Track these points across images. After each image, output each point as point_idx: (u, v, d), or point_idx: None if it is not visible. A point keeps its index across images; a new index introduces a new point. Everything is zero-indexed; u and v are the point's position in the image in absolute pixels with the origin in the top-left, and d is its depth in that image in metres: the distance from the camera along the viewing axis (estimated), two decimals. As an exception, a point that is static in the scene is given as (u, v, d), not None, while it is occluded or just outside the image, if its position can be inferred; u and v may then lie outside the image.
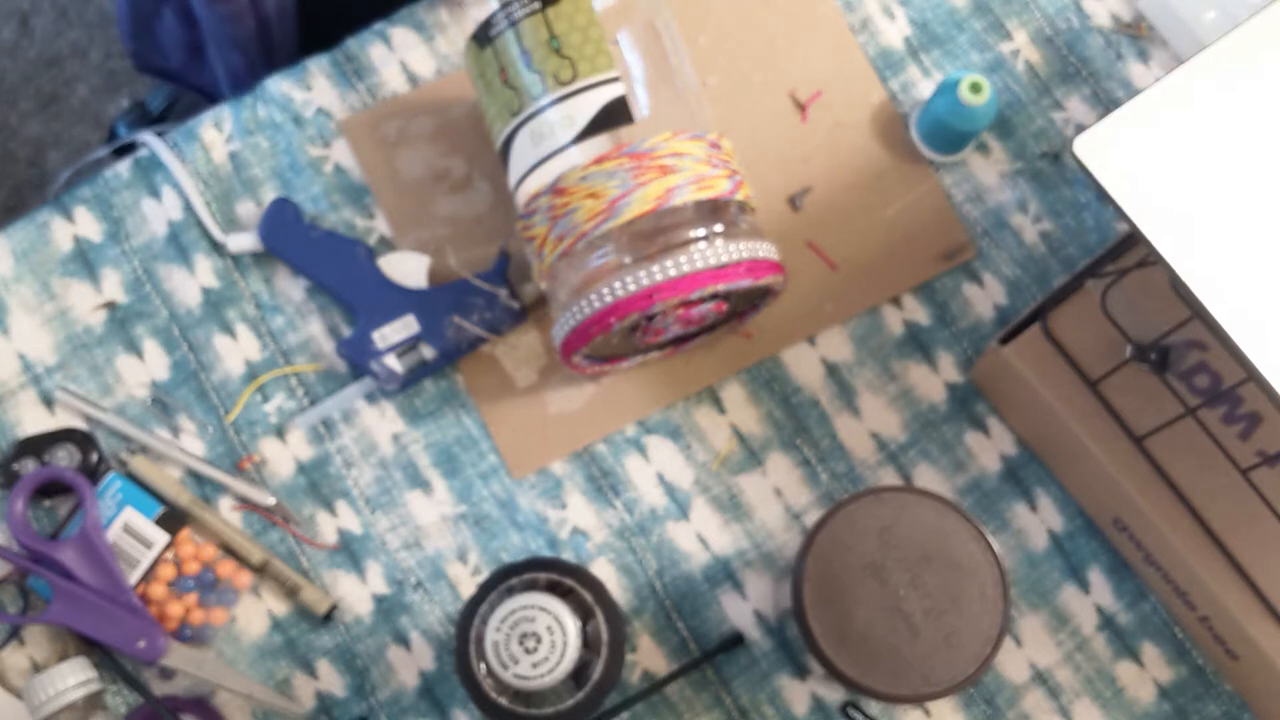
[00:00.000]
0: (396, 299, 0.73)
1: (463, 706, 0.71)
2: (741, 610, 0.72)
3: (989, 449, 0.74)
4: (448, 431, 0.74)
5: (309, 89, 0.78)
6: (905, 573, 0.58)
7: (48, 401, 0.74)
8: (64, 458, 0.72)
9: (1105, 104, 0.79)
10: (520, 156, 0.68)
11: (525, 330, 0.75)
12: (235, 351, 0.74)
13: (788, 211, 0.76)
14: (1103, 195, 0.58)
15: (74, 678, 0.67)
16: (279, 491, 0.73)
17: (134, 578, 0.70)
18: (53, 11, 1.73)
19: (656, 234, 0.64)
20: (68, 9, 1.73)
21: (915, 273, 0.76)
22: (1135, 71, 0.79)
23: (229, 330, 0.75)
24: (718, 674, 0.71)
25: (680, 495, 0.73)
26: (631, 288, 0.63)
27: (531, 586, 0.60)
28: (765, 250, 0.66)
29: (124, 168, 0.77)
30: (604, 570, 0.72)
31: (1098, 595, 0.72)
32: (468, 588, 0.72)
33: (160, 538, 0.71)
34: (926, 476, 0.74)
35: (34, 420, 0.73)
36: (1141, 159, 0.59)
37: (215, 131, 0.77)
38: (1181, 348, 0.67)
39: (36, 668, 0.70)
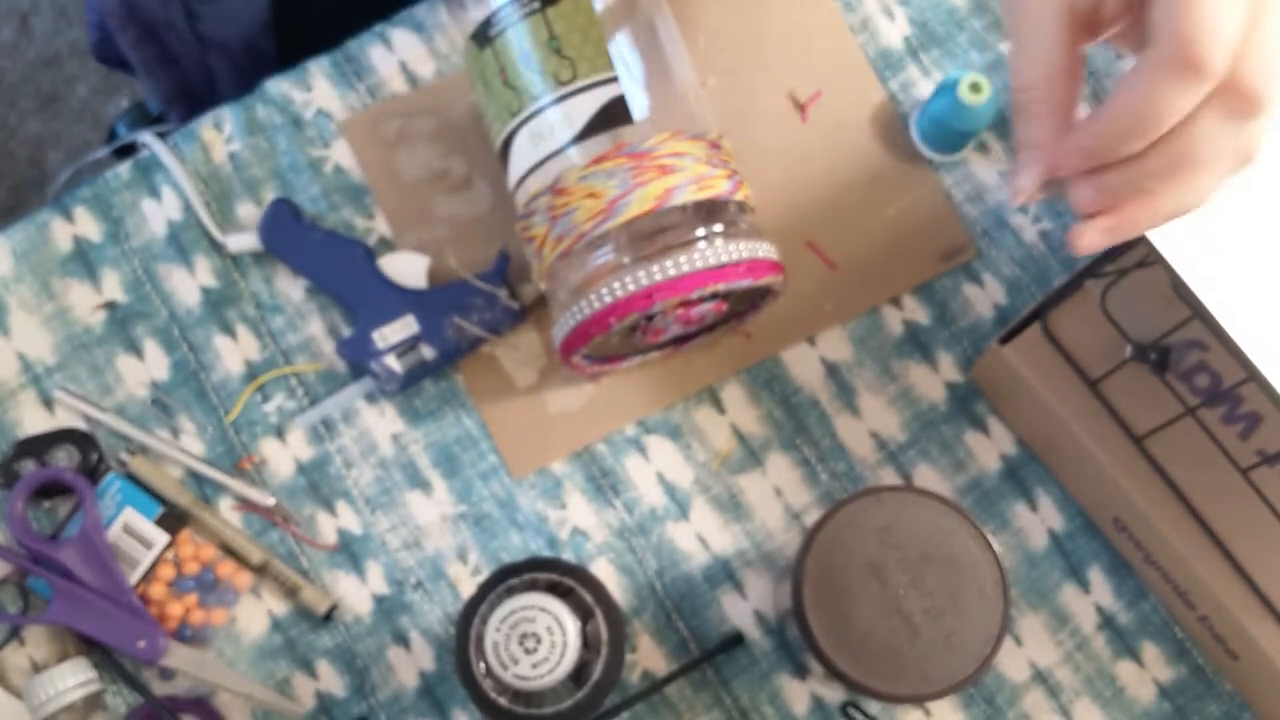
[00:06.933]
0: (396, 299, 0.73)
1: (463, 706, 0.71)
2: (741, 610, 0.72)
3: (989, 449, 0.74)
4: (448, 431, 0.74)
5: (309, 90, 0.77)
6: (905, 573, 0.58)
7: (48, 401, 0.74)
8: (64, 458, 0.72)
9: (1105, 104, 0.79)
10: (520, 157, 0.67)
11: (525, 330, 0.75)
12: (235, 351, 0.74)
13: (788, 209, 0.76)
14: (1102, 195, 0.58)
15: (74, 678, 0.67)
16: (279, 491, 0.73)
17: (134, 578, 0.70)
18: (52, 11, 1.73)
19: (656, 234, 0.64)
20: (67, 8, 1.73)
21: (915, 273, 0.76)
22: (1135, 71, 0.79)
23: (229, 330, 0.75)
24: (718, 674, 0.71)
25: (680, 495, 0.73)
26: (631, 288, 0.63)
27: (531, 587, 0.60)
28: (765, 250, 0.66)
29: (124, 168, 0.77)
30: (604, 570, 0.72)
31: (1098, 595, 0.72)
32: (468, 588, 0.72)
33: (160, 538, 0.71)
34: (926, 476, 0.74)
35: (34, 420, 0.73)
36: (1141, 159, 0.58)
37: (215, 132, 0.77)
38: (1181, 348, 0.67)
39: (36, 668, 0.70)
